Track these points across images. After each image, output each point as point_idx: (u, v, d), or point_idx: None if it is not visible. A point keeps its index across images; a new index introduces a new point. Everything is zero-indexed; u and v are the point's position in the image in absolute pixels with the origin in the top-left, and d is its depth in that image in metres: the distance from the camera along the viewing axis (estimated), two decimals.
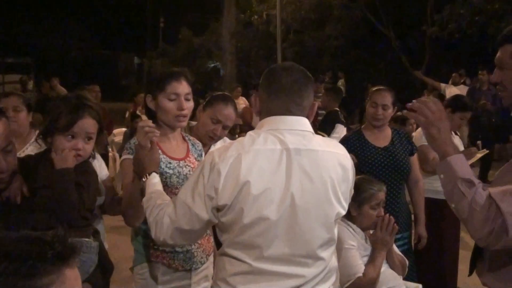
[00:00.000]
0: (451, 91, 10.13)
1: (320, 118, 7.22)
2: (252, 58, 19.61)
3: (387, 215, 2.95)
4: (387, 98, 3.63)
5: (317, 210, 1.94)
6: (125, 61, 34.80)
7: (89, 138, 2.14)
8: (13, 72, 26.94)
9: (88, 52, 32.65)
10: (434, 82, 11.48)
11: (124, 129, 8.12)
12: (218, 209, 1.90)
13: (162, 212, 1.99)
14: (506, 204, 1.72)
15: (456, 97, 4.69)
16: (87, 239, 2.10)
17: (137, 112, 8.53)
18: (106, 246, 3.15)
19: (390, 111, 3.65)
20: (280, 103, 1.98)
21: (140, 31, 31.17)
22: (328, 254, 2.02)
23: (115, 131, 8.20)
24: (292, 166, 1.90)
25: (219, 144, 3.19)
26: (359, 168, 3.46)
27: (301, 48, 17.59)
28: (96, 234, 2.22)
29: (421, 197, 3.84)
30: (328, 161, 1.98)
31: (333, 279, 2.06)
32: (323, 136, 6.08)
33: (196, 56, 22.75)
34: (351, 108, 15.89)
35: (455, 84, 10.99)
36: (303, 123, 2.00)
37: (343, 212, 2.05)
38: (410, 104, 1.98)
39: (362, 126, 3.85)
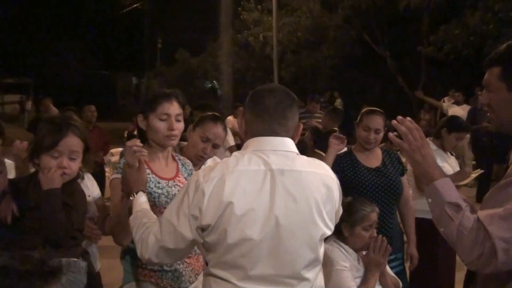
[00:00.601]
0: (453, 110, 9.97)
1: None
2: (249, 78, 19.73)
3: (380, 236, 2.94)
4: (379, 122, 3.65)
5: (301, 230, 1.95)
6: (123, 81, 35.00)
7: (74, 157, 2.15)
8: (13, 92, 27.08)
9: (87, 72, 32.83)
10: (435, 101, 11.37)
11: (121, 149, 8.12)
12: (203, 229, 1.91)
13: (148, 231, 2.01)
14: (495, 228, 1.71)
15: (452, 118, 4.71)
16: (75, 259, 2.10)
17: (135, 132, 8.50)
18: (99, 266, 3.15)
19: (382, 134, 3.68)
20: (264, 125, 2.00)
21: (138, 51, 31.38)
22: (313, 275, 2.02)
23: (112, 150, 8.18)
24: (275, 186, 1.91)
25: (209, 163, 3.21)
26: (351, 189, 3.48)
27: (297, 69, 17.71)
28: (85, 254, 2.22)
29: (412, 217, 3.81)
30: (312, 181, 1.99)
31: None
32: (321, 155, 6.13)
33: (193, 76, 22.90)
34: (347, 129, 16.00)
35: (458, 103, 10.85)
36: (287, 144, 2.02)
37: (329, 233, 2.05)
38: (395, 121, 1.99)
39: (353, 147, 3.82)
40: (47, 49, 31.16)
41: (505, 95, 1.91)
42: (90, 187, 2.96)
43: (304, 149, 7.11)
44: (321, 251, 2.05)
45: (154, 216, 2.14)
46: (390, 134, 2.06)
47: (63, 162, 2.10)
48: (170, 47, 25.95)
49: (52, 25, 31.91)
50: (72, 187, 2.15)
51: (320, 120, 7.94)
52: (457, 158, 4.66)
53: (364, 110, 3.87)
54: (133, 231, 2.09)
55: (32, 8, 31.10)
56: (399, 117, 1.99)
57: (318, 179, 2.01)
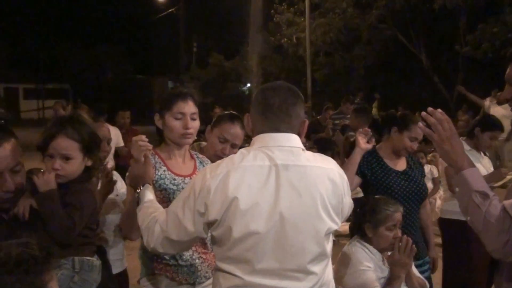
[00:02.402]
0: (495, 110, 9.60)
1: (352, 139, 7.10)
2: (283, 80, 19.72)
3: (405, 236, 2.90)
4: (420, 135, 3.57)
5: (306, 224, 1.96)
6: (160, 85, 35.49)
7: (67, 158, 2.15)
8: (52, 98, 27.84)
9: (124, 76, 33.46)
10: (477, 98, 10.91)
11: None
12: (209, 224, 1.96)
13: (154, 220, 2.07)
14: None
15: (485, 117, 4.64)
16: (88, 258, 2.13)
17: None
18: (126, 265, 3.20)
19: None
20: (269, 123, 2.03)
21: (174, 55, 31.79)
22: (320, 269, 2.02)
23: None
24: (280, 181, 1.94)
25: None
26: (380, 191, 3.42)
27: (330, 70, 17.62)
28: (100, 251, 2.25)
29: (430, 220, 3.77)
30: (317, 176, 2.00)
31: None
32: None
33: (226, 79, 23.07)
34: (383, 130, 15.79)
35: (500, 103, 10.48)
36: (293, 140, 2.04)
37: (335, 227, 2.06)
38: (424, 113, 2.01)
39: (377, 146, 3.65)
40: (85, 54, 31.92)
41: None
42: (118, 186, 3.01)
43: (326, 146, 6.97)
44: (329, 245, 2.06)
45: (160, 207, 2.21)
46: (420, 124, 2.09)
47: (55, 164, 2.12)
48: (205, 51, 26.24)
49: (90, 31, 32.70)
50: (78, 187, 2.16)
51: None
52: (496, 159, 4.56)
53: (408, 116, 3.69)
54: (140, 220, 2.17)
55: (70, 15, 31.92)
56: (430, 109, 2.01)
57: (324, 174, 2.02)
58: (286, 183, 1.94)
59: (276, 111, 2.02)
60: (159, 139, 2.67)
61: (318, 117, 9.47)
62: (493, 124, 4.29)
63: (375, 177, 3.50)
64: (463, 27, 15.36)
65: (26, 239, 1.39)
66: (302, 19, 17.62)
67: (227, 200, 1.90)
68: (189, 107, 2.60)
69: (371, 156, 3.61)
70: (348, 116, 8.54)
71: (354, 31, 17.27)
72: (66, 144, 2.15)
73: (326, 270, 2.06)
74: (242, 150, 2.04)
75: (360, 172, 3.50)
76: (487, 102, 10.47)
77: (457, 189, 1.94)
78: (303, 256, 1.96)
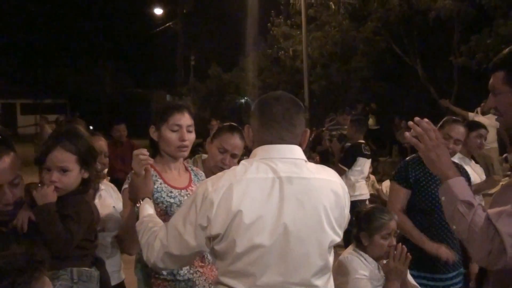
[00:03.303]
0: (479, 120, 10.01)
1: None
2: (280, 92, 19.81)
3: (400, 244, 2.94)
4: (462, 132, 3.69)
5: (310, 237, 1.97)
6: (158, 98, 35.52)
7: (65, 170, 2.18)
8: (50, 112, 27.84)
9: (122, 90, 33.51)
10: (461, 111, 11.26)
11: None
12: (212, 238, 1.94)
13: (154, 235, 2.06)
14: (503, 225, 1.76)
15: (467, 121, 4.76)
16: (86, 268, 2.16)
17: None
18: (123, 277, 3.22)
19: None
20: (273, 132, 2.02)
21: (172, 69, 31.89)
22: (323, 282, 2.03)
23: None
24: (284, 194, 1.94)
25: None
26: (421, 201, 3.41)
27: (327, 82, 17.71)
28: (98, 262, 2.28)
29: None
30: (320, 188, 2.01)
31: None
32: (344, 169, 6.08)
33: (225, 91, 23.12)
34: (381, 141, 15.86)
35: (483, 113, 10.80)
36: (295, 151, 2.04)
37: (338, 239, 2.06)
38: (411, 122, 2.06)
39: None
40: (83, 69, 32.00)
41: (510, 98, 1.97)
42: (115, 198, 3.04)
43: (328, 157, 7.09)
44: (331, 258, 2.07)
45: (160, 222, 2.20)
46: (407, 134, 2.10)
47: (52, 176, 2.16)
48: (203, 64, 26.33)
49: (87, 45, 32.80)
50: (75, 198, 2.20)
51: None
52: (486, 168, 4.65)
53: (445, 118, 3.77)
54: (139, 235, 2.15)
55: (67, 29, 32.04)
56: (417, 118, 2.06)
57: (327, 186, 2.03)
58: (290, 196, 1.94)
59: (280, 120, 2.02)
60: (153, 151, 2.66)
61: (323, 128, 9.55)
62: (476, 124, 4.44)
63: (419, 184, 3.44)
64: (457, 39, 15.46)
65: (10, 251, 1.41)
66: (298, 32, 17.75)
67: (230, 214, 1.88)
68: (185, 119, 2.62)
69: (416, 162, 3.50)
70: (345, 126, 8.62)
71: (350, 43, 17.37)
72: (63, 157, 2.18)
73: (328, 283, 2.07)
74: (243, 162, 2.04)
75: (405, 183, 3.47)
76: (471, 113, 10.77)
77: (443, 198, 1.97)
78: (307, 269, 1.96)
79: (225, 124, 3.37)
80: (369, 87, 17.62)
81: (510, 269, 1.85)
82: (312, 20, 17.88)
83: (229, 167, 3.20)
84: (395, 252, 2.89)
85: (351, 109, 11.92)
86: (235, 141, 3.18)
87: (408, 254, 2.90)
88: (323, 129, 9.56)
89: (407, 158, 3.63)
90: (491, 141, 9.53)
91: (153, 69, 34.58)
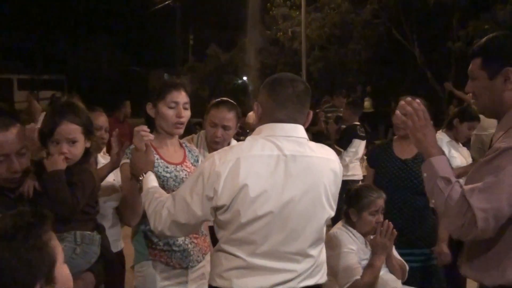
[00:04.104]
0: None
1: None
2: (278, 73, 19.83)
3: (387, 221, 3.07)
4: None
5: (310, 213, 2.11)
6: (155, 77, 35.44)
7: (73, 142, 2.30)
8: (47, 89, 27.81)
9: (119, 68, 33.42)
10: (463, 95, 11.21)
11: None
12: (217, 209, 2.07)
13: (161, 205, 2.18)
14: (475, 200, 1.91)
15: (464, 108, 4.79)
16: (89, 232, 2.29)
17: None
18: (122, 245, 3.35)
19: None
20: (287, 112, 2.13)
21: (170, 48, 31.79)
22: (317, 252, 2.19)
23: None
24: (288, 171, 2.07)
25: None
26: (377, 179, 3.62)
27: (325, 64, 17.76)
28: (99, 228, 2.41)
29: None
30: (322, 167, 2.15)
31: (321, 273, 2.23)
32: (339, 151, 6.20)
33: (223, 72, 23.14)
34: (376, 124, 15.97)
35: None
36: (299, 130, 2.17)
37: (333, 214, 2.22)
38: (402, 102, 2.19)
39: (395, 137, 3.81)
40: (81, 46, 31.88)
41: (486, 82, 2.11)
42: (115, 172, 3.15)
43: (321, 138, 7.22)
44: (324, 230, 2.22)
45: (165, 193, 2.31)
46: (397, 112, 2.22)
47: (63, 148, 2.26)
48: (202, 43, 26.27)
49: (85, 22, 32.63)
50: (79, 167, 2.32)
51: None
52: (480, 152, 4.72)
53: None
54: (146, 205, 2.27)
55: (66, 6, 31.83)
56: (408, 99, 2.18)
57: (326, 164, 2.17)
58: (293, 173, 2.07)
59: (296, 102, 2.14)
60: (148, 128, 2.72)
61: (317, 110, 9.65)
62: (471, 115, 4.47)
63: (380, 166, 3.69)
64: (455, 24, 15.50)
65: (18, 210, 1.54)
66: (298, 13, 17.74)
67: (237, 187, 2.01)
68: (182, 97, 2.71)
69: (382, 146, 3.85)
70: (341, 109, 8.73)
71: (348, 26, 17.39)
72: (71, 129, 2.29)
73: (321, 252, 2.22)
74: (249, 138, 2.16)
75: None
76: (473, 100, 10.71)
77: (424, 174, 2.10)
78: (304, 240, 2.11)
79: (215, 100, 3.51)
80: (366, 70, 17.68)
81: (480, 240, 2.00)
82: (312, 2, 17.87)
83: (223, 139, 3.35)
84: (381, 228, 3.03)
85: (351, 91, 11.98)
86: (223, 114, 3.33)
87: (394, 230, 3.04)
88: (318, 110, 9.66)
89: (377, 143, 3.87)
90: (491, 126, 9.58)
91: (151, 48, 34.44)
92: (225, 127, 3.34)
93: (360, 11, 16.92)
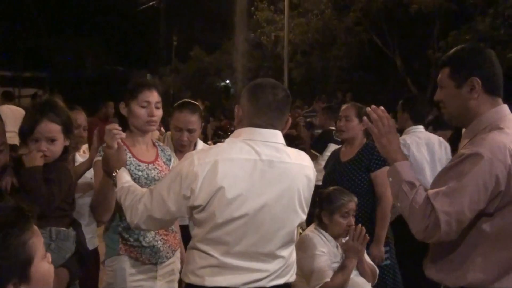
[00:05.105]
0: None
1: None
2: (261, 77, 19.88)
3: (359, 225, 3.15)
4: (349, 111, 3.91)
5: (283, 216, 2.19)
6: (138, 77, 35.21)
7: (52, 140, 2.35)
8: (29, 86, 27.50)
9: (102, 68, 33.17)
10: None
11: None
12: (193, 208, 2.13)
13: (137, 199, 2.24)
14: (438, 203, 2.00)
15: (437, 117, 4.91)
16: (64, 228, 2.33)
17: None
18: (96, 244, 3.38)
19: (354, 124, 3.88)
20: (266, 119, 2.20)
21: (154, 49, 31.68)
22: (288, 253, 2.27)
23: None
24: (264, 176, 2.14)
25: (201, 146, 3.47)
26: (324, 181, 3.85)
27: (308, 69, 17.88)
28: (75, 224, 2.45)
29: (381, 215, 3.73)
30: (297, 173, 2.23)
31: (291, 273, 2.30)
32: (316, 155, 6.31)
33: (206, 74, 23.14)
34: None
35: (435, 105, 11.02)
36: (277, 136, 2.24)
37: (305, 218, 2.31)
38: (369, 109, 2.29)
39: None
40: (64, 44, 31.57)
41: (453, 91, 2.21)
42: (91, 170, 3.19)
43: (293, 142, 7.36)
44: (296, 232, 2.30)
45: (140, 188, 2.37)
46: (365, 118, 2.34)
47: (41, 146, 2.32)
48: (186, 45, 26.23)
49: (69, 21, 32.35)
50: (56, 165, 2.36)
51: None
52: None
53: None
54: (122, 199, 2.33)
55: (49, 4, 31.54)
56: (373, 106, 2.29)
57: (301, 171, 2.25)
58: (269, 178, 2.14)
59: (274, 108, 2.21)
60: (121, 127, 2.77)
61: (290, 113, 9.79)
62: (444, 124, 4.57)
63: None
64: (436, 33, 15.73)
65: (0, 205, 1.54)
66: (282, 17, 17.84)
67: (213, 188, 2.07)
68: (154, 97, 2.78)
69: (335, 150, 4.11)
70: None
71: (331, 32, 17.55)
72: (51, 128, 2.35)
73: (292, 254, 2.30)
74: (228, 140, 2.22)
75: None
76: None
77: (390, 178, 2.19)
78: (276, 243, 2.18)
79: (176, 104, 3.52)
80: (348, 76, 17.85)
81: (443, 243, 2.09)
82: (295, 7, 18.00)
83: (189, 142, 3.39)
84: (354, 232, 3.10)
85: (332, 97, 12.11)
86: (186, 118, 3.35)
87: (366, 235, 3.12)
88: (296, 115, 9.78)
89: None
90: None
91: (135, 48, 34.27)
92: (189, 130, 3.36)
93: (343, 17, 17.07)
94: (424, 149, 4.12)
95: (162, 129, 6.31)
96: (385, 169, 3.83)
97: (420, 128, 4.40)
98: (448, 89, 2.22)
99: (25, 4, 30.26)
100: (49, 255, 1.60)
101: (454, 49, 2.29)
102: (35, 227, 1.53)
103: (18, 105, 10.85)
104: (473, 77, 2.15)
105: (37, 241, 1.52)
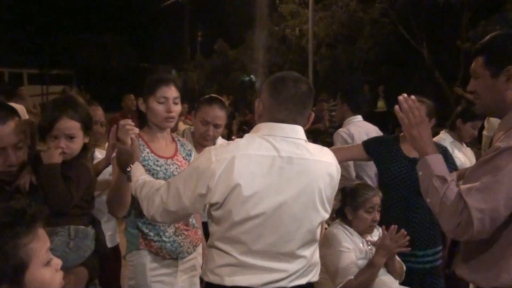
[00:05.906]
0: None
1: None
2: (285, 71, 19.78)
3: (402, 230, 2.96)
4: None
5: (303, 215, 2.10)
6: (157, 73, 35.36)
7: (71, 137, 2.31)
8: (57, 83, 27.94)
9: (128, 64, 33.51)
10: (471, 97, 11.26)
11: None
12: (211, 205, 2.06)
13: (153, 191, 2.21)
14: (472, 200, 1.89)
15: (465, 108, 4.74)
16: (83, 227, 2.30)
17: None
18: (118, 241, 3.36)
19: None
20: (288, 113, 2.11)
21: (179, 44, 31.83)
22: (310, 252, 2.17)
23: None
24: (283, 173, 2.05)
25: (220, 142, 3.41)
26: (382, 178, 3.55)
27: (332, 63, 17.69)
28: (94, 222, 2.41)
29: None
30: (318, 170, 2.12)
31: (313, 273, 2.21)
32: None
33: (230, 69, 23.11)
34: (386, 123, 15.88)
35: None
36: (298, 131, 2.14)
37: (327, 216, 2.21)
38: (401, 97, 2.18)
39: (401, 134, 3.56)
40: (91, 41, 32.00)
41: (488, 81, 2.09)
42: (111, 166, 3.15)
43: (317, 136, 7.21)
44: (319, 231, 2.20)
45: (155, 180, 2.34)
46: (396, 107, 2.20)
47: (60, 143, 2.28)
48: (210, 40, 26.28)
49: (94, 17, 32.73)
50: (75, 162, 2.32)
51: None
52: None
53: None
54: (138, 191, 2.30)
55: (74, 2, 31.93)
56: (405, 95, 2.18)
57: (323, 168, 2.14)
58: (288, 175, 2.05)
59: (297, 102, 2.11)
60: (140, 123, 2.79)
61: (313, 108, 9.69)
62: (474, 114, 4.41)
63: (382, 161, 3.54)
64: (465, 24, 15.39)
65: (2, 204, 1.46)
66: (306, 11, 17.68)
67: (230, 186, 2.00)
68: (172, 92, 2.74)
69: (389, 141, 3.62)
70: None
71: (356, 24, 17.32)
72: (70, 125, 2.31)
73: (315, 253, 2.20)
74: (247, 135, 2.13)
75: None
76: None
77: (420, 172, 2.09)
78: (296, 242, 2.10)
79: (205, 96, 3.49)
80: (374, 69, 17.60)
81: (476, 241, 1.98)
82: (320, 0, 17.83)
83: (213, 137, 3.35)
84: (394, 233, 2.93)
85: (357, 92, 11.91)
86: (215, 112, 3.33)
87: (408, 237, 2.94)
88: (314, 108, 9.68)
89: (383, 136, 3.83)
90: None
91: (159, 44, 34.50)
92: (216, 126, 3.34)
93: (368, 9, 16.83)
94: (364, 138, 3.97)
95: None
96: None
97: (359, 118, 4.62)
98: (483, 79, 2.10)
99: (52, 4, 30.70)
100: (57, 262, 1.53)
101: (488, 36, 2.15)
102: (41, 232, 1.46)
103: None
104: (510, 66, 2.03)
105: (38, 246, 1.45)
